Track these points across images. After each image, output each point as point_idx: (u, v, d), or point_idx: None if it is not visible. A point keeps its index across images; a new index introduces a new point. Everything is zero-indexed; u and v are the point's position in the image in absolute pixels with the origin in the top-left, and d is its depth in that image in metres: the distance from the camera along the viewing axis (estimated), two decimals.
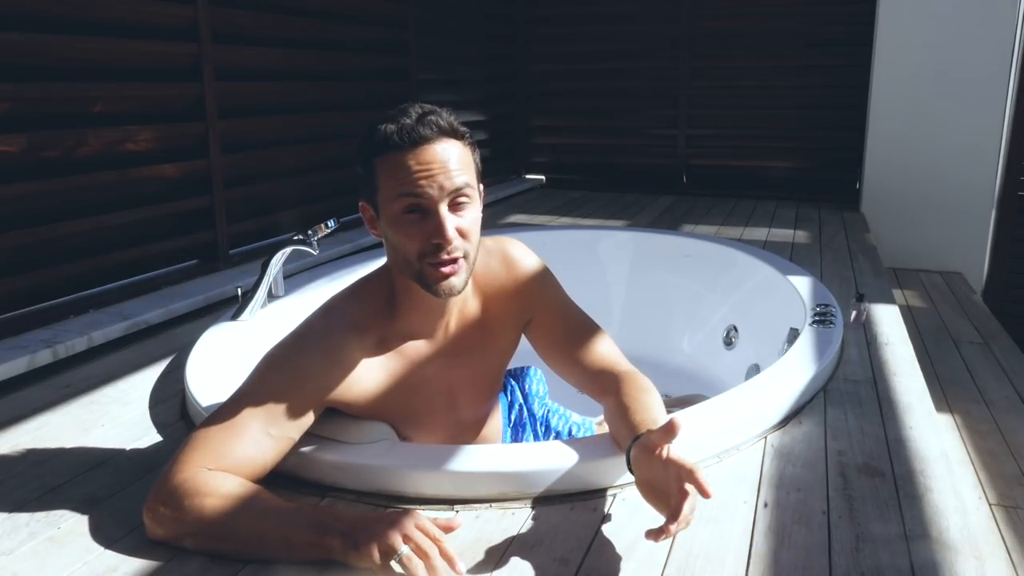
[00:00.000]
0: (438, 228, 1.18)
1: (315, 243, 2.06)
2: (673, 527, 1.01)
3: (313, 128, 3.28)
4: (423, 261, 1.21)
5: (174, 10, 2.52)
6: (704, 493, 1.03)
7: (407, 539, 1.04)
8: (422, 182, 1.17)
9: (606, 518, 1.22)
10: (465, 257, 1.22)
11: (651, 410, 1.26)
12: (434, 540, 1.05)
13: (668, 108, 4.97)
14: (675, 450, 1.09)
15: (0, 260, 2.05)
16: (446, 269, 1.20)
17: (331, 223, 2.05)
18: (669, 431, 1.09)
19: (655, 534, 1.02)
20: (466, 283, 1.25)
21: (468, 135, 1.25)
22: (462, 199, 1.21)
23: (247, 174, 2.90)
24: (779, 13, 4.64)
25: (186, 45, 2.55)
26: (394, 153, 1.19)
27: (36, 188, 2.12)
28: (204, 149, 2.64)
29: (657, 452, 1.10)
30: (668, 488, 1.07)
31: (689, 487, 1.03)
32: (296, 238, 2.07)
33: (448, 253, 1.19)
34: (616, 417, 1.30)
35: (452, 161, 1.19)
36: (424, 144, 1.18)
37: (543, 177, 5.31)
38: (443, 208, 1.19)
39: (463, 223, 1.21)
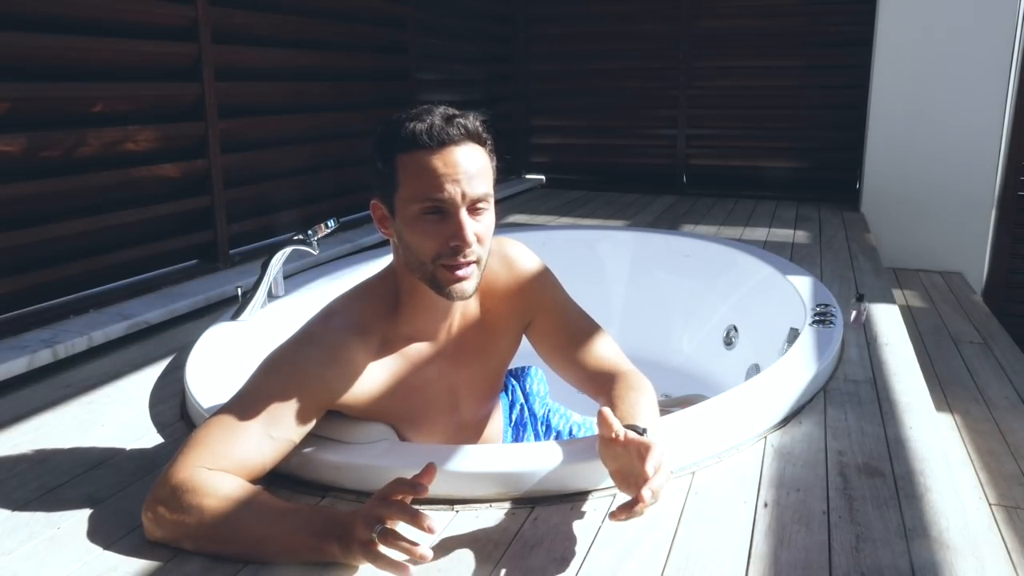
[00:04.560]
0: (458, 231, 1.18)
1: (315, 243, 2.06)
2: (643, 498, 1.03)
3: (313, 128, 3.28)
4: (437, 263, 1.21)
5: (174, 10, 2.52)
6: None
7: (376, 520, 1.03)
8: (447, 185, 1.17)
9: (606, 518, 1.22)
10: (478, 262, 1.23)
11: (635, 405, 1.27)
12: (403, 515, 1.03)
13: (668, 108, 4.96)
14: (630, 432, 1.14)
15: (0, 260, 2.05)
16: (461, 272, 1.21)
17: (331, 223, 2.05)
18: (606, 422, 1.14)
19: (623, 511, 1.04)
20: (476, 287, 1.25)
21: (490, 142, 1.25)
22: (481, 206, 1.21)
23: (247, 174, 2.89)
24: (779, 13, 4.64)
25: (186, 45, 2.55)
26: (420, 152, 1.18)
27: (36, 188, 2.12)
28: (204, 149, 2.63)
29: (614, 438, 1.12)
30: (636, 470, 1.10)
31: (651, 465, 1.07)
32: (296, 238, 2.07)
33: (464, 256, 1.20)
34: None
35: (476, 168, 1.20)
36: (451, 146, 1.18)
37: (543, 177, 5.31)
38: (463, 212, 1.19)
39: (480, 228, 1.22)
